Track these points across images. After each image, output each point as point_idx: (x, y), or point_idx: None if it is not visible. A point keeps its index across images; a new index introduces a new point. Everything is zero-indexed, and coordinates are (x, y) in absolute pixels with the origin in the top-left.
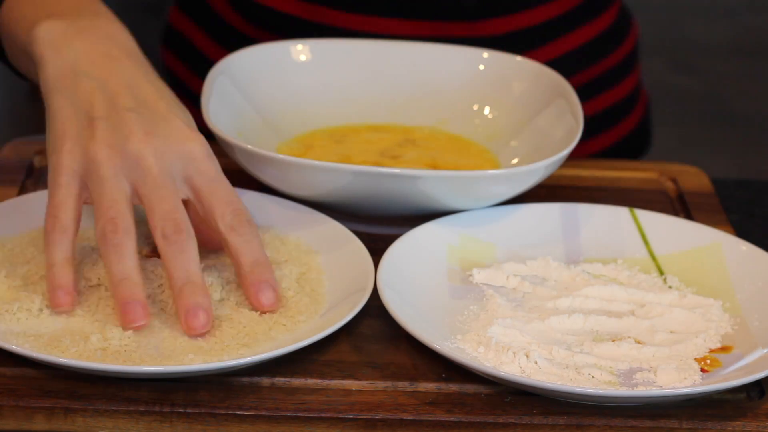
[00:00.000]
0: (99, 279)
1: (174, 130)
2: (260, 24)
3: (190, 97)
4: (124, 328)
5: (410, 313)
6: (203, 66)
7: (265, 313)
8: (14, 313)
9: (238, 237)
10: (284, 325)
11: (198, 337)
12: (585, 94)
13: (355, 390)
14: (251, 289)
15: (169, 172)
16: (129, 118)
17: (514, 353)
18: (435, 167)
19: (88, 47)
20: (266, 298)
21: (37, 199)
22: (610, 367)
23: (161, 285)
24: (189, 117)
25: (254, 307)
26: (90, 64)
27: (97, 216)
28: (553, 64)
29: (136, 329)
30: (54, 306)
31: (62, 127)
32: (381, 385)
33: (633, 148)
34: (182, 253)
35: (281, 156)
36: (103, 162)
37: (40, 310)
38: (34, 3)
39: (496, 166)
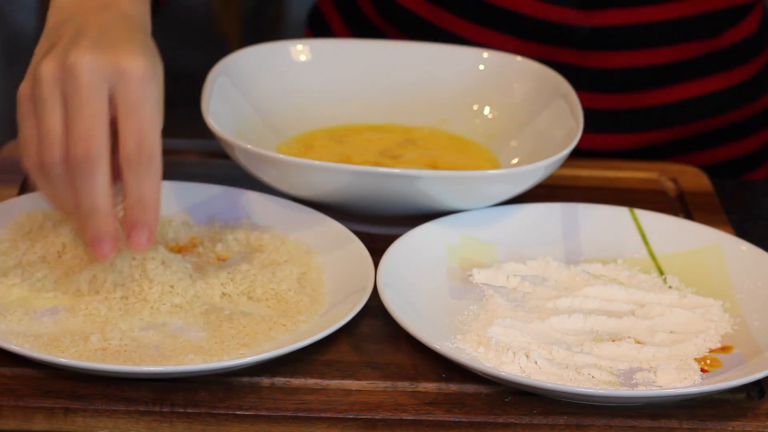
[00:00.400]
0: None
1: (120, 48)
2: (392, 20)
3: None
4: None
5: (410, 313)
6: None
7: (138, 252)
8: (14, 313)
9: (130, 171)
10: (284, 325)
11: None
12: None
13: (355, 390)
14: (126, 228)
15: (99, 88)
16: (83, 40)
17: (514, 353)
18: (435, 167)
19: (88, 4)
20: (138, 239)
21: (37, 199)
22: (610, 367)
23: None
24: (152, 53)
25: (128, 245)
26: (84, 13)
27: (41, 132)
28: (674, 108)
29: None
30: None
31: (34, 59)
32: (381, 385)
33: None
34: (92, 180)
35: (281, 156)
36: (44, 75)
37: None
38: None
39: (496, 166)
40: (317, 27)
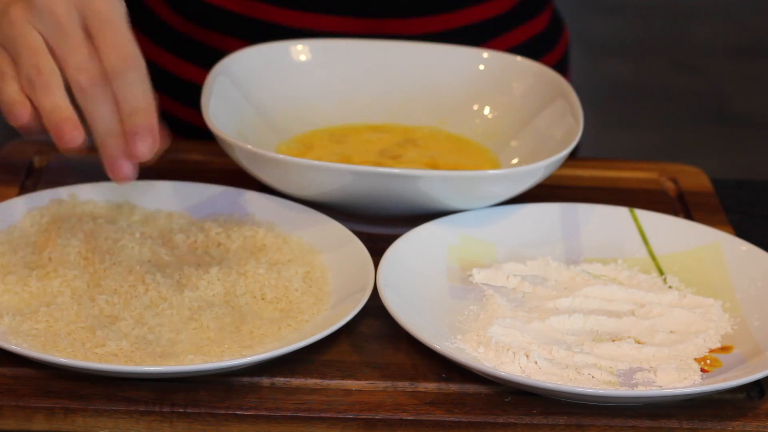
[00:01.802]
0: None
1: None
2: (196, 21)
3: None
4: (61, 148)
5: (410, 313)
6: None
7: (141, 164)
8: (13, 315)
9: (118, 81)
10: (289, 324)
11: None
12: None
13: (355, 390)
14: (128, 140)
15: (74, 17)
16: None
17: (514, 353)
18: (435, 167)
19: None
20: (142, 146)
21: (37, 199)
22: (610, 367)
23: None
24: None
25: (130, 156)
26: None
27: (20, 67)
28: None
29: (73, 149)
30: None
31: None
32: (381, 385)
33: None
34: (102, 104)
35: (281, 156)
36: (15, 18)
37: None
38: None
39: (496, 166)
40: None
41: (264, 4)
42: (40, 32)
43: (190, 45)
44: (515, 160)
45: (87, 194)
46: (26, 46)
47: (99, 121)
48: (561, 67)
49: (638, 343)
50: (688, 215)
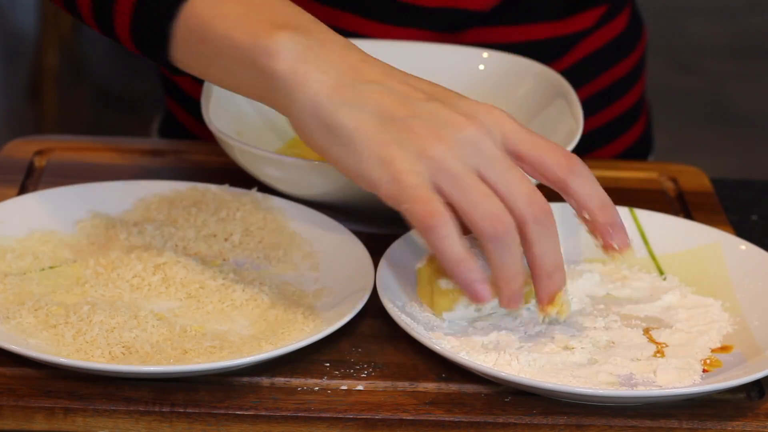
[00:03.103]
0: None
1: (479, 107)
2: None
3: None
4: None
5: (410, 313)
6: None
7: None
8: (12, 319)
9: (578, 179)
10: (289, 324)
11: None
12: (593, 105)
13: (355, 390)
14: (601, 231)
15: (502, 149)
16: (436, 108)
17: (513, 354)
18: None
19: (342, 57)
20: (619, 240)
21: (37, 199)
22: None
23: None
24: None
25: (605, 249)
26: (355, 72)
27: (475, 217)
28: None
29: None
30: (479, 300)
31: (377, 144)
32: (381, 385)
33: (636, 155)
34: (552, 237)
35: (281, 156)
36: (447, 157)
37: (38, 310)
38: (239, 2)
39: None
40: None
41: (348, 13)
42: (473, 169)
43: None
44: None
45: (87, 194)
46: (478, 195)
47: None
48: (638, 71)
49: (646, 335)
50: (688, 215)
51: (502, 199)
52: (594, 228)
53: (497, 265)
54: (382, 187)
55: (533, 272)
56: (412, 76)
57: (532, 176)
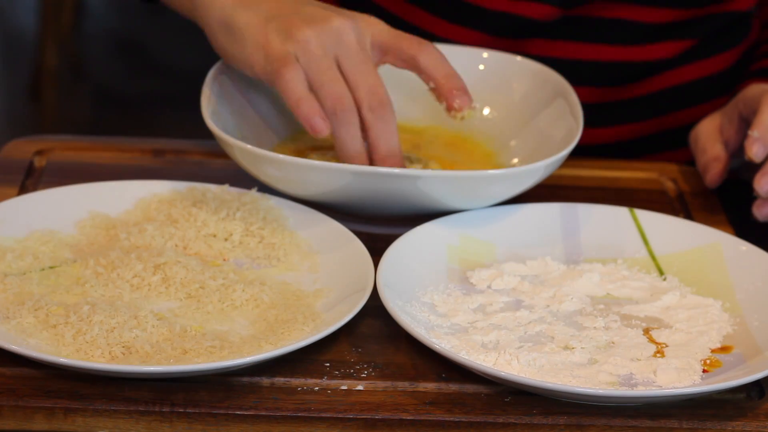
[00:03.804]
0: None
1: (357, 14)
2: None
3: None
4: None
5: (410, 313)
6: None
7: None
8: (12, 319)
9: (427, 55)
10: (289, 324)
11: None
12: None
13: (355, 390)
14: (445, 94)
15: (364, 46)
16: (316, 9)
17: (513, 353)
18: (435, 167)
19: None
20: (461, 100)
21: (37, 199)
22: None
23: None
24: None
25: (448, 111)
26: None
27: (321, 94)
28: (647, 100)
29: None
30: (318, 132)
31: (259, 33)
32: (381, 385)
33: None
34: (386, 125)
35: (281, 156)
36: (311, 40)
37: (38, 310)
38: None
39: (496, 166)
40: None
41: (422, 10)
42: (333, 55)
43: None
44: (515, 160)
45: (87, 194)
46: (328, 77)
47: (382, 141)
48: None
49: (646, 335)
50: (688, 215)
51: (349, 86)
52: (439, 94)
53: (337, 139)
54: (257, 65)
55: (371, 156)
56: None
57: (395, 63)
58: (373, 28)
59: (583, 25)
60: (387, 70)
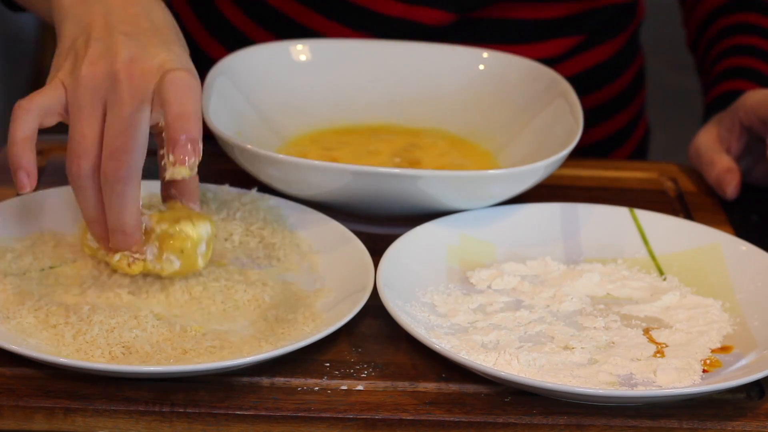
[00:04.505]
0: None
1: (158, 50)
2: (254, 18)
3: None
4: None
5: (410, 312)
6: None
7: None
8: (12, 319)
9: (171, 84)
10: (289, 325)
11: None
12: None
13: (355, 390)
14: (168, 141)
15: (141, 105)
16: (126, 42)
17: (513, 353)
18: (435, 167)
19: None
20: (184, 153)
21: (37, 199)
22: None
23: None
24: (181, 49)
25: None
26: (105, 19)
27: (67, 150)
28: None
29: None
30: (19, 189)
31: (64, 48)
32: (381, 385)
33: None
34: (119, 199)
35: (281, 156)
36: (86, 81)
37: (38, 310)
38: None
39: (496, 166)
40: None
41: (315, 13)
42: (102, 101)
43: (227, 29)
44: (515, 160)
45: None
46: (85, 118)
47: (114, 214)
48: (634, 84)
49: (646, 335)
50: (688, 215)
51: (102, 141)
52: (165, 138)
53: (78, 201)
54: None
55: None
56: (154, 12)
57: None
58: (165, 76)
59: (479, 26)
60: (385, 70)
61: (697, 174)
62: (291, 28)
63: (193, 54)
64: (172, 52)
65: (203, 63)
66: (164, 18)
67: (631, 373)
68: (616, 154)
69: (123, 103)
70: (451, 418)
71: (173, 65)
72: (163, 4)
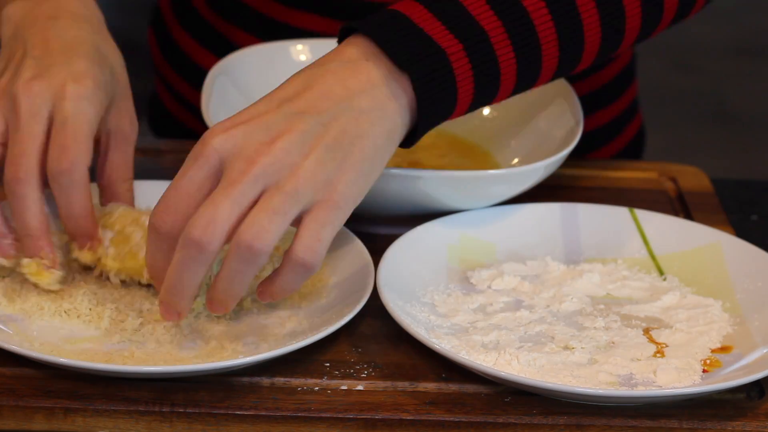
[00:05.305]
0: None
1: (60, 71)
2: (219, 12)
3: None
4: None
5: (410, 313)
6: (191, 70)
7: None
8: (13, 320)
9: (54, 185)
10: (289, 324)
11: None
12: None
13: (355, 390)
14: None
15: (38, 112)
16: (26, 66)
17: (513, 353)
18: (435, 168)
19: (35, 13)
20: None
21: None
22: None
23: None
24: (89, 63)
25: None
26: (31, 25)
27: (8, 153)
28: None
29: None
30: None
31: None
32: (381, 385)
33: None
34: (20, 200)
35: None
36: (26, 98)
37: (41, 309)
38: None
39: (496, 166)
40: (158, 26)
41: (279, 4)
42: (3, 115)
43: (213, 36)
44: (515, 160)
45: None
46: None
47: (18, 219)
48: (623, 77)
49: (645, 335)
50: (688, 215)
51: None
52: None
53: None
54: None
55: None
56: (63, 31)
57: None
58: (60, 100)
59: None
60: None
61: (697, 174)
62: (273, 28)
63: (185, 65)
64: (72, 68)
65: (195, 74)
66: (75, 35)
67: (631, 373)
68: (606, 149)
69: (19, 114)
70: (451, 418)
71: (68, 87)
72: (82, 21)
